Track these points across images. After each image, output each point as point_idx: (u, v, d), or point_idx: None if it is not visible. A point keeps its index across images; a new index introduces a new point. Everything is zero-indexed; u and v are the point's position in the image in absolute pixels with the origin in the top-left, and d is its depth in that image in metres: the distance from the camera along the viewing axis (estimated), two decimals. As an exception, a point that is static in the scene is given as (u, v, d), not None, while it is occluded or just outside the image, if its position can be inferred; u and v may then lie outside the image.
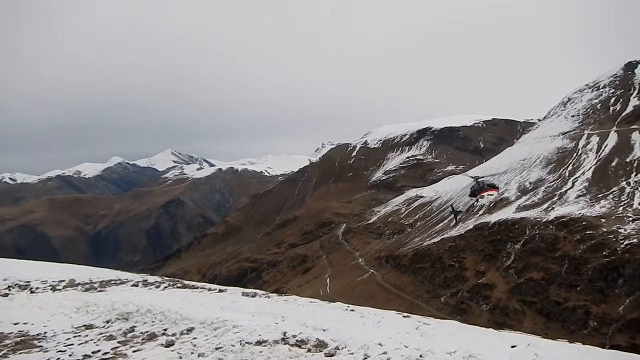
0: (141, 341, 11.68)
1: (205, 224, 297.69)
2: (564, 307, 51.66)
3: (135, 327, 13.02)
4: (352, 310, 15.56)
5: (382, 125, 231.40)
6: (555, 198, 73.72)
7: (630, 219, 58.17)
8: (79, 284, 22.68)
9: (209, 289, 22.42)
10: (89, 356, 10.63)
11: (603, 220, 60.25)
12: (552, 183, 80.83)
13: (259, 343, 10.91)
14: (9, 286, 21.07)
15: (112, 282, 23.74)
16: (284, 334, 11.53)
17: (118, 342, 11.63)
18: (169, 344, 11.18)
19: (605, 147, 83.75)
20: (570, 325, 49.62)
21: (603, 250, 54.00)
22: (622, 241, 53.51)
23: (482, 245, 70.52)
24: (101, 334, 12.53)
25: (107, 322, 13.86)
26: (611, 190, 68.80)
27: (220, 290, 21.80)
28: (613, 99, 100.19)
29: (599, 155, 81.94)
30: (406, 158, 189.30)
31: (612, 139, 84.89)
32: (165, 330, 12.52)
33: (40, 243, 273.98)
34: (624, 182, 69.45)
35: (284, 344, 10.83)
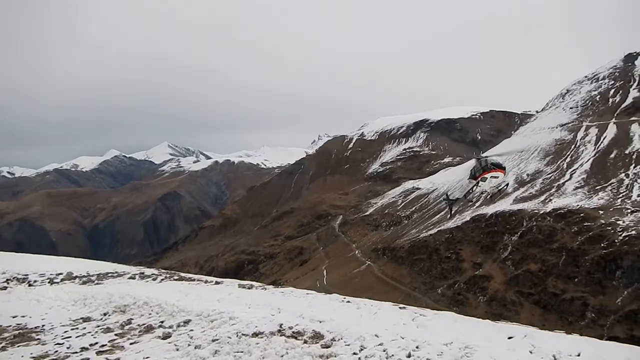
0: (138, 333, 11.81)
1: (202, 216, 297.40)
2: (561, 298, 51.57)
3: (132, 319, 13.18)
4: (349, 301, 15.63)
5: (379, 117, 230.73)
6: (553, 190, 73.46)
7: (629, 210, 57.93)
8: (76, 277, 22.84)
9: (206, 281, 22.61)
10: (87, 348, 10.68)
11: (601, 212, 60.02)
12: (550, 175, 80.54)
13: (255, 335, 11.03)
14: (7, 279, 21.19)
15: (110, 275, 23.90)
16: (280, 325, 11.69)
17: (115, 335, 11.77)
18: (165, 336, 11.30)
19: (604, 139, 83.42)
20: (567, 316, 49.55)
21: (601, 242, 53.83)
22: (620, 233, 53.30)
23: (479, 236, 70.40)
24: (98, 326, 12.68)
25: (105, 314, 14.03)
26: (609, 182, 68.52)
27: (217, 283, 21.97)
28: (612, 90, 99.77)
29: (598, 147, 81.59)
30: (403, 150, 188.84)
31: (611, 131, 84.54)
32: (162, 322, 12.69)
33: (39, 237, 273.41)
34: (623, 174, 69.13)
35: (280, 335, 10.96)
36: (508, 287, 58.20)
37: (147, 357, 9.91)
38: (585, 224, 58.45)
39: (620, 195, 63.48)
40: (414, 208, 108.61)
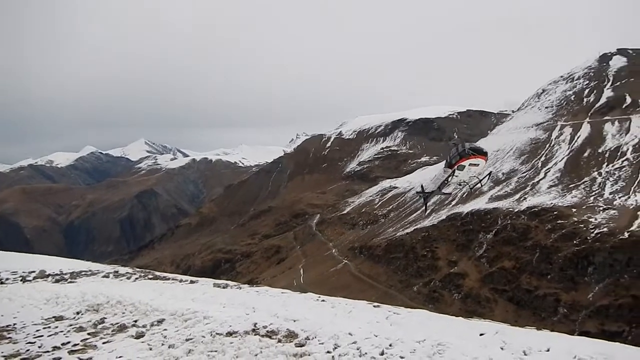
0: (111, 333, 11.81)
1: (179, 214, 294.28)
2: (534, 295, 51.82)
3: (105, 318, 13.15)
4: (323, 300, 16.08)
5: (357, 116, 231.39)
6: (528, 188, 74.01)
7: (601, 208, 58.47)
8: (49, 275, 23.07)
9: (181, 280, 22.97)
10: (59, 348, 10.61)
11: (574, 210, 60.49)
12: (525, 174, 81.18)
13: (229, 334, 11.07)
14: (-22, 277, 20.98)
15: (83, 273, 24.13)
16: (255, 324, 11.80)
17: (88, 334, 11.72)
18: (139, 335, 11.30)
19: (578, 138, 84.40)
20: (540, 312, 49.78)
21: (574, 239, 54.22)
22: (592, 230, 53.75)
23: (454, 235, 70.56)
24: (71, 325, 12.60)
25: (77, 313, 14.01)
26: (583, 181, 69.17)
27: (192, 282, 22.30)
28: (587, 90, 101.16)
29: (572, 146, 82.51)
30: (380, 149, 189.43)
31: (585, 130, 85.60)
32: (135, 321, 12.64)
33: (13, 233, 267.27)
34: (596, 173, 69.91)
35: (255, 334, 11.07)
36: (483, 285, 58.33)
37: (120, 357, 9.83)
38: (559, 221, 58.86)
39: (593, 193, 64.10)
40: (390, 207, 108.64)
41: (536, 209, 64.11)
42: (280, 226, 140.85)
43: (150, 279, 22.88)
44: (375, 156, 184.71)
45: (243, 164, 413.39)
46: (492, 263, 60.38)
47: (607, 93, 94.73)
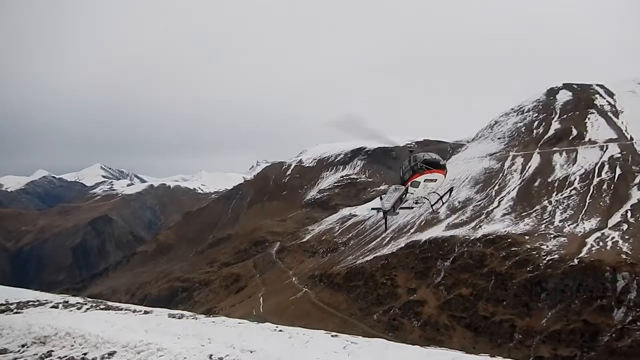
0: None
1: (135, 242, 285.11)
2: (491, 321, 52.80)
3: (52, 351, 12.63)
4: (281, 330, 15.82)
5: (318, 144, 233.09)
6: (483, 216, 76.09)
7: (552, 235, 60.88)
8: None
9: (134, 311, 21.83)
10: None
11: (527, 237, 62.62)
12: (480, 202, 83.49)
13: None
14: None
15: (30, 303, 22.70)
16: (210, 356, 11.56)
17: None
18: None
19: (528, 167, 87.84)
20: (497, 338, 50.71)
21: (527, 266, 55.97)
22: (544, 257, 55.73)
23: (413, 262, 71.33)
24: (16, 359, 12.27)
25: (23, 346, 13.40)
26: (534, 209, 71.89)
27: (146, 312, 21.30)
28: (536, 122, 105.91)
29: (523, 176, 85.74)
30: (340, 177, 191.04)
31: (535, 160, 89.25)
32: (85, 354, 12.22)
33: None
34: (546, 201, 72.84)
35: None
36: (441, 312, 59.00)
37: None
38: (513, 248, 60.69)
39: (544, 221, 66.67)
40: (350, 235, 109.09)
41: (491, 237, 65.94)
42: (240, 254, 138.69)
43: (102, 309, 21.76)
44: (335, 184, 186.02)
45: (202, 190, 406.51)
46: (450, 290, 61.30)
47: (555, 125, 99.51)
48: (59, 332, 14.20)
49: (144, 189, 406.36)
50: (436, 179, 19.88)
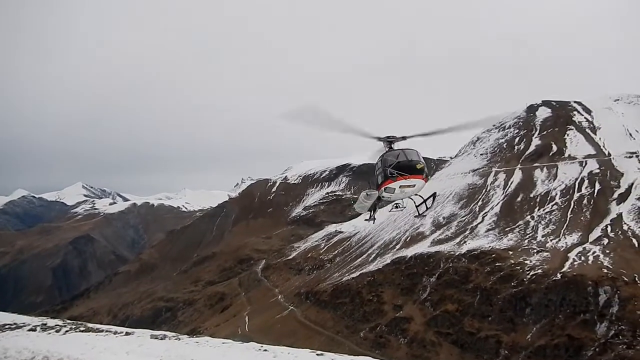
0: None
1: (118, 261, 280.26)
2: (477, 337, 53.00)
3: None
4: (266, 350, 15.79)
5: (303, 161, 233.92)
6: (467, 232, 76.80)
7: (535, 250, 61.69)
8: None
9: (115, 332, 21.20)
10: None
11: (511, 252, 63.34)
12: (464, 218, 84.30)
13: None
14: None
15: (7, 326, 21.73)
16: None
17: None
18: None
19: (511, 183, 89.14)
20: (483, 355, 50.87)
21: (511, 281, 56.49)
22: (528, 272, 56.35)
23: (399, 279, 71.44)
24: None
25: None
26: (517, 224, 72.85)
27: (127, 333, 20.73)
28: (517, 138, 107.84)
29: (506, 191, 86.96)
30: (326, 194, 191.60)
31: (517, 176, 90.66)
32: None
33: None
34: (529, 216, 73.91)
35: None
36: (427, 328, 59.03)
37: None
38: (497, 264, 61.25)
39: (527, 236, 67.56)
40: (336, 251, 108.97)
41: (476, 252, 66.49)
42: (225, 272, 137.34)
43: (82, 331, 21.07)
44: (321, 201, 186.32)
45: (186, 208, 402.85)
46: (436, 306, 61.44)
47: (536, 141, 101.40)
48: (36, 356, 14.07)
49: (127, 207, 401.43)
50: (414, 185, 17.62)
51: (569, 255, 57.68)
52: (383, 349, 59.01)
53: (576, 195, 74.75)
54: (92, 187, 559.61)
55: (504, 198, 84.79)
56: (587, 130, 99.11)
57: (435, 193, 21.05)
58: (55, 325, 22.71)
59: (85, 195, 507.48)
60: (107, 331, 21.59)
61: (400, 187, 17.69)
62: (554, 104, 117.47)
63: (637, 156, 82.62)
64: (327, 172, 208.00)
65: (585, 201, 72.32)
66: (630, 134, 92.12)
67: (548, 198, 77.76)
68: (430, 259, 71.14)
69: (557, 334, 47.31)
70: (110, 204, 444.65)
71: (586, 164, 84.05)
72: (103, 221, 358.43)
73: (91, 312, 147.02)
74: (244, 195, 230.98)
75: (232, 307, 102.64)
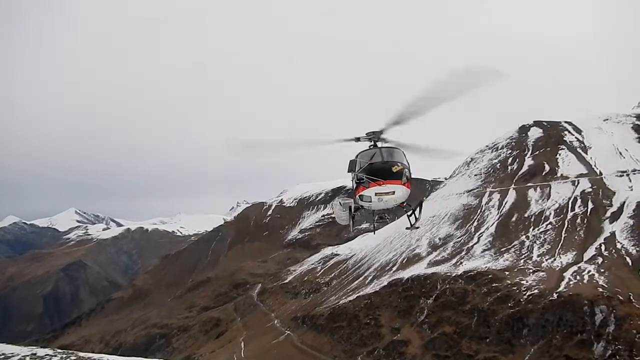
0: None
1: (111, 287, 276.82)
2: (475, 359, 52.59)
3: None
4: None
5: (298, 184, 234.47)
6: (463, 253, 76.91)
7: (531, 270, 61.81)
8: None
9: None
10: None
11: (507, 272, 63.40)
12: (460, 238, 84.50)
13: None
14: None
15: None
16: None
17: None
18: None
19: (505, 203, 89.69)
20: (482, 378, 50.42)
21: (508, 302, 56.39)
22: (524, 292, 56.36)
23: (396, 301, 71.16)
24: None
25: None
26: (513, 244, 73.11)
27: None
28: (510, 159, 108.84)
29: (501, 211, 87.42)
30: (322, 216, 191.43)
31: (511, 196, 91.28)
32: None
33: None
34: (524, 236, 74.22)
35: None
36: (425, 351, 58.55)
37: None
38: (494, 284, 61.23)
39: (523, 256, 67.77)
40: (333, 274, 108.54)
41: (472, 273, 66.49)
42: (220, 297, 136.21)
43: None
44: (317, 224, 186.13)
45: (181, 233, 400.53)
46: (434, 329, 61.13)
47: (528, 161, 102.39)
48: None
49: (121, 233, 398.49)
50: (393, 192, 14.97)
51: (564, 274, 57.82)
52: (381, 373, 58.55)
53: (570, 214, 75.29)
54: (85, 213, 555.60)
55: (498, 218, 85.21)
56: (578, 149, 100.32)
57: (422, 201, 19.02)
58: (45, 355, 22.64)
59: (78, 221, 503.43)
60: (98, 360, 21.41)
61: (376, 194, 15.13)
62: (545, 124, 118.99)
63: (627, 175, 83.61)
64: (322, 195, 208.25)
65: (578, 220, 72.83)
66: (620, 153, 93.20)
67: (542, 217, 78.27)
68: (427, 280, 71.02)
69: (555, 354, 47.12)
70: (104, 229, 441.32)
71: (578, 183, 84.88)
72: (96, 247, 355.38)
73: (83, 341, 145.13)
74: (240, 219, 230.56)
75: (228, 332, 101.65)
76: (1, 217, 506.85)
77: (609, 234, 65.58)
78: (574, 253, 63.88)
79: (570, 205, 77.92)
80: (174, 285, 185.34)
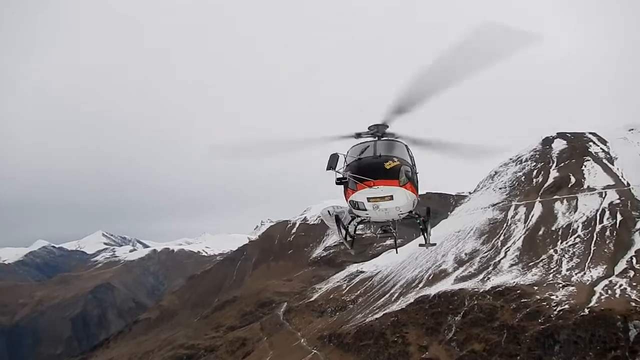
0: None
1: (138, 309, 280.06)
2: (506, 378, 51.79)
3: None
4: None
5: (321, 201, 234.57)
6: (490, 268, 76.03)
7: (560, 285, 60.73)
8: None
9: None
10: None
11: (536, 287, 62.46)
12: (486, 253, 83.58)
13: None
14: None
15: None
16: None
17: None
18: None
19: (532, 216, 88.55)
20: (514, 396, 49.53)
21: (538, 318, 55.46)
22: (555, 308, 55.41)
23: (423, 318, 70.50)
24: None
25: None
26: (541, 258, 72.00)
27: None
28: (535, 171, 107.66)
29: (527, 225, 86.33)
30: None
31: (538, 209, 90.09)
32: None
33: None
34: (552, 250, 73.06)
35: None
36: (455, 370, 58.00)
37: None
38: (523, 300, 60.37)
39: (552, 271, 66.66)
40: (358, 292, 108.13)
41: (500, 289, 65.69)
42: (246, 317, 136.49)
43: None
44: (341, 241, 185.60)
45: (207, 253, 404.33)
46: (462, 346, 60.34)
47: (554, 174, 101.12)
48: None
49: (147, 254, 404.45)
50: (390, 195, 11.83)
51: (595, 289, 56.76)
52: (411, 392, 57.95)
53: (598, 227, 73.86)
54: (112, 235, 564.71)
55: (525, 232, 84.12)
56: (604, 160, 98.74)
57: (429, 208, 17.01)
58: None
59: (106, 243, 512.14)
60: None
61: (368, 200, 12.02)
62: (569, 135, 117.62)
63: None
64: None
65: (607, 233, 71.39)
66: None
67: (570, 231, 76.98)
68: (455, 296, 70.33)
69: (589, 372, 46.19)
70: (131, 251, 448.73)
71: (606, 194, 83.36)
72: (123, 269, 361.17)
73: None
74: (264, 238, 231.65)
75: (254, 352, 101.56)
76: (31, 241, 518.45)
77: (640, 247, 64.25)
78: (604, 267, 62.61)
79: (598, 218, 76.46)
80: (200, 305, 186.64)
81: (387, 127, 13.60)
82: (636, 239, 67.04)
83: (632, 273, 58.03)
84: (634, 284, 54.97)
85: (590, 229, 74.51)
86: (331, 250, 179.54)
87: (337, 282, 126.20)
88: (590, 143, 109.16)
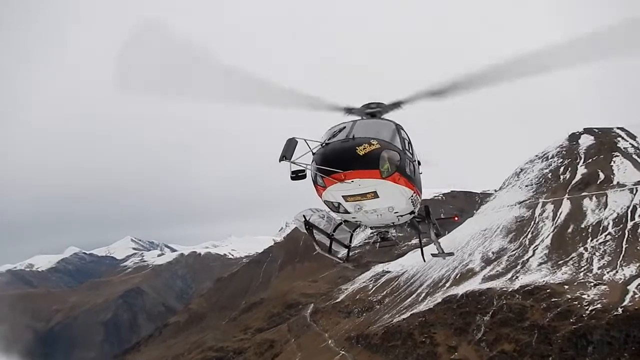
0: None
1: (167, 312, 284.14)
2: (538, 379, 51.16)
3: None
4: None
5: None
6: (519, 267, 75.07)
7: (592, 284, 59.64)
8: None
9: None
10: None
11: (566, 286, 61.45)
12: (514, 252, 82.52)
13: None
14: None
15: None
16: None
17: None
18: None
19: (560, 214, 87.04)
20: (546, 397, 48.91)
21: (570, 318, 54.62)
22: (587, 307, 54.46)
23: (451, 318, 70.00)
24: None
25: None
26: (570, 257, 70.78)
27: None
28: (562, 168, 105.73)
29: (556, 223, 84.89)
30: (370, 233, 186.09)
31: (566, 207, 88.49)
32: None
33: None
34: (582, 248, 71.73)
35: None
36: (485, 370, 57.50)
37: None
38: (553, 299, 59.48)
39: (582, 269, 65.47)
40: (385, 292, 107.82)
41: (529, 288, 64.81)
42: (274, 318, 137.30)
43: None
44: (366, 241, 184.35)
45: (233, 255, 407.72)
46: (492, 347, 59.77)
47: (581, 170, 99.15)
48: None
49: (175, 258, 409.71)
50: (373, 191, 9.22)
51: (628, 287, 55.58)
52: (441, 393, 57.69)
53: (630, 224, 72.20)
54: (140, 240, 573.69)
55: (554, 230, 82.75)
56: (633, 156, 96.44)
57: (427, 206, 14.32)
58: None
59: (134, 249, 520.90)
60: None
61: (345, 198, 9.49)
62: (596, 130, 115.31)
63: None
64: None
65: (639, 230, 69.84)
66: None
67: (600, 228, 75.43)
68: (483, 296, 69.64)
69: (624, 372, 45.31)
70: (159, 255, 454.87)
71: (637, 190, 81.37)
72: (151, 273, 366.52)
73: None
74: (289, 240, 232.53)
75: (283, 354, 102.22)
76: (62, 248, 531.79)
77: (674, 244, 62.65)
78: (637, 264, 61.15)
79: (629, 214, 74.77)
80: (227, 307, 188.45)
81: (387, 107, 11.15)
82: (670, 235, 65.42)
83: (666, 271, 56.73)
84: (669, 282, 53.73)
85: (621, 226, 72.89)
86: (356, 251, 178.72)
87: (363, 282, 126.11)
88: (619, 138, 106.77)
